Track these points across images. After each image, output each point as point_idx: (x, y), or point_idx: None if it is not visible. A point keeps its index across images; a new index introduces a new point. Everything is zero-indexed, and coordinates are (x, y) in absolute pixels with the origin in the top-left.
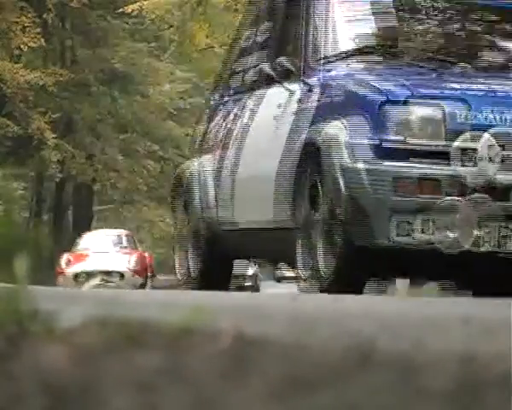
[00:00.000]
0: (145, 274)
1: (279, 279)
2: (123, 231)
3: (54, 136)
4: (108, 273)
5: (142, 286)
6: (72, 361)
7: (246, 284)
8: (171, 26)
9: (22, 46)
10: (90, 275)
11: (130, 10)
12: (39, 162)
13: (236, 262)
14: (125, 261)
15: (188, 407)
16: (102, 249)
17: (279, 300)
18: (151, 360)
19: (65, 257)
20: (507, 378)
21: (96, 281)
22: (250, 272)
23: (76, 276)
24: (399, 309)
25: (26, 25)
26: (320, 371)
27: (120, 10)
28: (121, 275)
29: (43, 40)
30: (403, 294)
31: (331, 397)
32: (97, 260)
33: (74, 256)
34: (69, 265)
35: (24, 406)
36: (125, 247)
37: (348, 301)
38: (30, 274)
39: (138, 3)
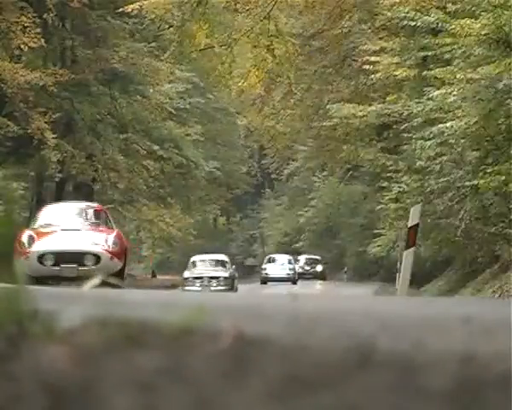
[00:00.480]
0: (124, 258)
1: (264, 281)
2: (95, 205)
3: (54, 136)
4: (81, 255)
5: (121, 272)
6: (73, 361)
7: (221, 286)
8: (171, 26)
9: (22, 46)
10: (58, 256)
11: (130, 10)
12: (39, 162)
13: (208, 264)
14: (101, 241)
15: (188, 407)
16: (72, 226)
17: (279, 300)
18: (151, 360)
19: (26, 234)
20: (507, 378)
21: (96, 281)
22: (226, 273)
23: (41, 257)
24: (399, 309)
25: (26, 25)
26: (320, 372)
27: (120, 10)
28: (97, 258)
29: (43, 40)
30: (403, 293)
31: (331, 397)
32: (67, 238)
33: (38, 233)
34: (32, 244)
35: (24, 406)
36: (99, 223)
37: (348, 301)
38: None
39: (138, 3)
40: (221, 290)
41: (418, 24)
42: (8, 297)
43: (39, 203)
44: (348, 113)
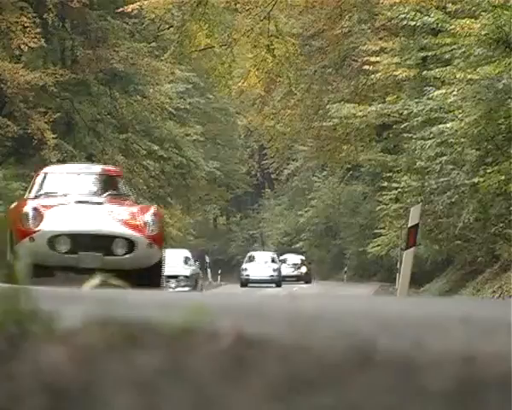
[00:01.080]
0: (163, 244)
1: (245, 283)
2: (112, 169)
3: (54, 136)
4: (108, 240)
5: (159, 267)
6: (73, 361)
7: (181, 287)
8: (171, 26)
9: (22, 46)
10: (76, 240)
11: (130, 10)
12: (39, 162)
13: (172, 262)
14: (134, 220)
15: (188, 407)
16: (90, 198)
17: (279, 300)
18: (151, 360)
19: (30, 206)
20: (507, 378)
21: (96, 281)
22: (187, 272)
23: (52, 240)
24: (399, 309)
25: (26, 25)
26: (320, 371)
27: (120, 10)
28: (130, 244)
29: (43, 40)
30: (403, 293)
31: (331, 397)
32: (86, 215)
33: (45, 207)
34: (39, 220)
35: (24, 406)
36: (123, 195)
37: (348, 300)
38: (30, 274)
39: (138, 3)
40: (182, 291)
41: (418, 24)
42: (8, 297)
43: None
44: (348, 113)
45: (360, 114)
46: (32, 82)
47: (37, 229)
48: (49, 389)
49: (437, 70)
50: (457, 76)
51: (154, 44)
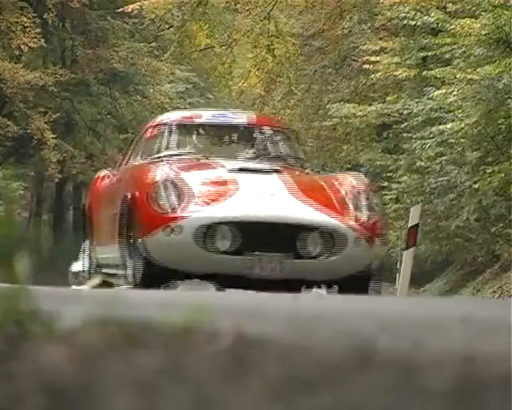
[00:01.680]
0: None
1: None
2: (271, 118)
3: (54, 136)
4: (295, 232)
5: (368, 273)
6: (73, 361)
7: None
8: (171, 27)
9: (22, 46)
10: (245, 232)
11: (130, 10)
12: (39, 162)
13: None
14: (334, 200)
15: (188, 407)
16: (252, 163)
17: (279, 300)
18: (151, 360)
19: (162, 176)
20: (507, 378)
21: (96, 281)
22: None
23: (203, 232)
24: (399, 309)
25: (26, 25)
26: (320, 371)
27: (120, 10)
28: (331, 239)
29: (43, 40)
30: (403, 293)
31: (331, 397)
32: (257, 192)
33: (186, 178)
34: (180, 200)
35: (24, 406)
36: (297, 159)
37: (348, 301)
38: (30, 274)
39: (138, 3)
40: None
41: (418, 24)
42: (8, 297)
43: (39, 203)
44: (348, 113)
45: (360, 113)
46: (32, 82)
47: (179, 214)
48: (49, 389)
49: (437, 70)
50: (457, 76)
51: (154, 44)
